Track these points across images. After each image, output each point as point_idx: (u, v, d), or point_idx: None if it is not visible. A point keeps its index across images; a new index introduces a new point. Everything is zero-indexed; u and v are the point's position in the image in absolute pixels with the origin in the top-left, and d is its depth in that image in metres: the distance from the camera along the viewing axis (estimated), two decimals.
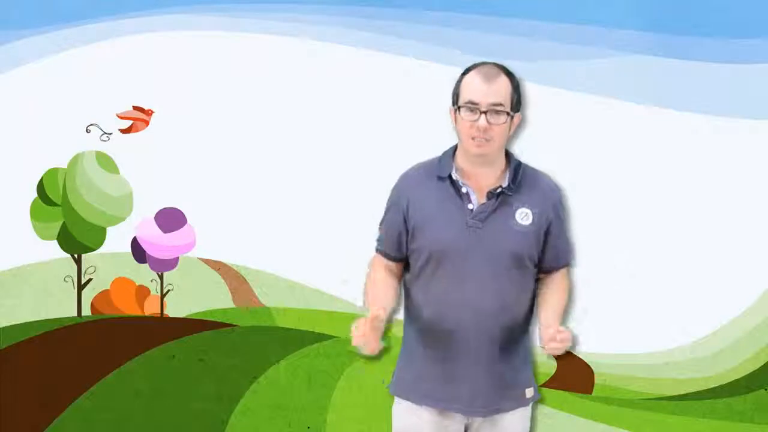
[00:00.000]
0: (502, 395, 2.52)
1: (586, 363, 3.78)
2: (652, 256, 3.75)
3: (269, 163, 3.85)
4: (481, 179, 2.44)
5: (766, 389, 3.74)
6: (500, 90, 2.38)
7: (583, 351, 3.78)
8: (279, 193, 3.84)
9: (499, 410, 2.53)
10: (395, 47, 3.76)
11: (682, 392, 3.76)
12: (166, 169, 3.89)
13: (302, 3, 3.85)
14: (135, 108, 3.91)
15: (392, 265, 2.57)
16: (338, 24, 3.83)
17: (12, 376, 3.88)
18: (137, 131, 3.91)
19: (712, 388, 3.76)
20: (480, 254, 2.41)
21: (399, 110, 3.71)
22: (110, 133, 3.91)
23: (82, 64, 3.90)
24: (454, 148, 2.50)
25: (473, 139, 2.37)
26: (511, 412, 2.55)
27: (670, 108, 3.76)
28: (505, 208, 2.43)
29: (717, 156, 3.75)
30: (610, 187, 3.76)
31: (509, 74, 2.43)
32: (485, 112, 2.35)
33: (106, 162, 3.92)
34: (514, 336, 2.49)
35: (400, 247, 2.53)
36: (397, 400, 2.59)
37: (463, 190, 2.43)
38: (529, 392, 2.59)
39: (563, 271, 2.61)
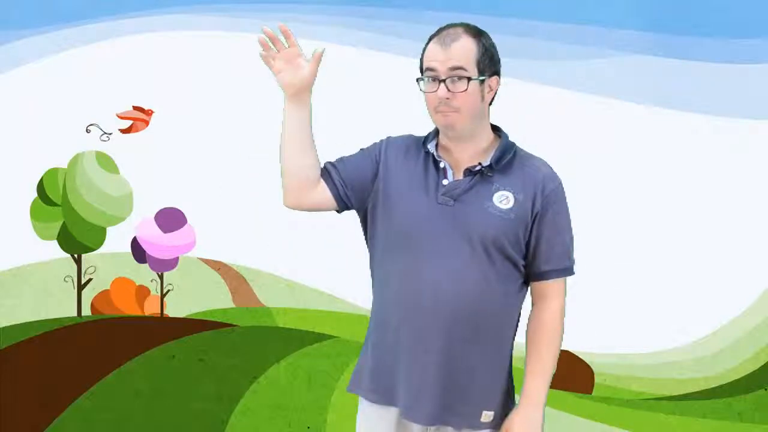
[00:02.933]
0: (451, 403, 2.19)
1: (586, 363, 3.78)
2: (652, 256, 3.75)
3: (269, 163, 3.84)
4: (460, 155, 2.22)
5: (766, 389, 3.74)
6: (460, 53, 2.14)
7: (583, 351, 3.78)
8: (279, 193, 3.84)
9: (445, 422, 2.20)
10: (395, 47, 3.77)
11: (682, 392, 3.76)
12: (166, 169, 3.89)
13: (302, 3, 3.85)
14: (135, 108, 3.91)
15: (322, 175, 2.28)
16: (338, 24, 3.83)
17: (12, 376, 3.88)
18: (137, 131, 3.91)
19: (712, 388, 3.76)
20: (447, 233, 2.16)
21: (399, 110, 3.70)
22: (110, 133, 3.91)
23: (82, 64, 3.90)
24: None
25: (438, 112, 2.17)
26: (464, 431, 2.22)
27: (670, 108, 3.76)
28: (482, 188, 2.18)
29: (717, 156, 3.75)
30: (611, 186, 3.76)
31: (476, 34, 2.19)
32: (444, 80, 2.14)
33: (106, 162, 3.92)
34: (480, 336, 2.17)
35: (348, 174, 2.27)
36: (359, 401, 2.34)
37: (441, 164, 2.21)
38: (487, 415, 2.22)
39: (552, 290, 2.26)
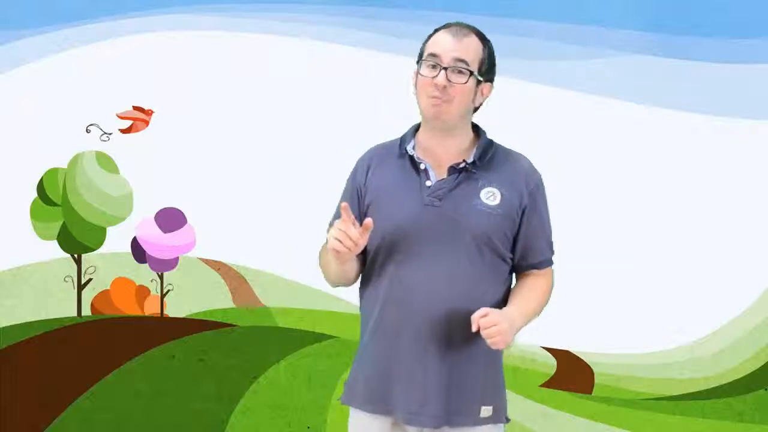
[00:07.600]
0: (454, 404, 2.18)
1: (586, 363, 3.78)
2: (651, 256, 3.75)
3: (269, 163, 3.85)
4: (442, 154, 2.22)
5: (766, 389, 3.74)
6: (467, 48, 2.17)
7: (583, 351, 3.78)
8: (279, 193, 3.85)
9: (450, 422, 2.19)
10: (395, 47, 3.77)
11: (682, 392, 3.76)
12: (166, 169, 3.89)
13: (302, 3, 3.86)
14: (135, 108, 3.91)
15: None
16: (338, 24, 3.83)
17: (12, 376, 3.88)
18: (137, 131, 3.91)
19: (712, 388, 3.76)
20: (437, 234, 2.16)
21: (399, 110, 3.70)
22: (110, 133, 3.91)
23: (82, 64, 3.90)
24: (417, 125, 2.30)
25: (430, 98, 2.15)
26: (465, 429, 2.21)
27: (670, 108, 3.76)
28: (468, 186, 2.19)
29: (717, 156, 3.75)
30: (610, 186, 3.76)
31: (482, 38, 2.22)
32: (446, 68, 2.14)
33: (106, 162, 3.92)
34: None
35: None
36: (351, 412, 2.31)
37: (422, 166, 2.20)
38: (486, 410, 2.22)
39: (545, 271, 2.31)
